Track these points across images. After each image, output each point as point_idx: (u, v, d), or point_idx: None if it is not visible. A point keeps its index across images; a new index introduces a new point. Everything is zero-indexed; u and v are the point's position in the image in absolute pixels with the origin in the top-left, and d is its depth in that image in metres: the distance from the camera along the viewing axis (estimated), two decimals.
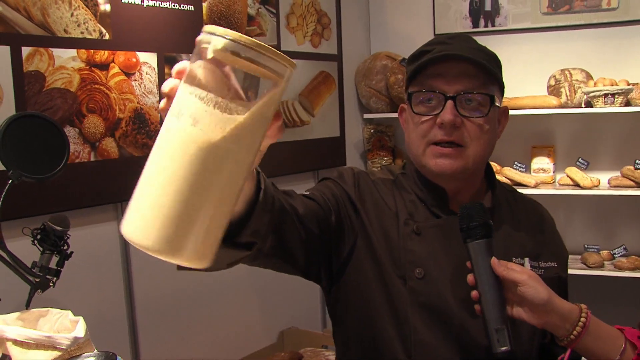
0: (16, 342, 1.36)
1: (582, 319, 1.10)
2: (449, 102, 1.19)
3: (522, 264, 1.22)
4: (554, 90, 3.18)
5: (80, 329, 1.41)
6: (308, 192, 1.25)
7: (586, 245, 3.26)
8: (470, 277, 1.11)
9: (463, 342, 1.20)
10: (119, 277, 2.35)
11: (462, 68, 1.20)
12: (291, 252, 1.12)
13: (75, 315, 1.51)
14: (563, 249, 1.36)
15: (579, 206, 3.35)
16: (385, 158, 3.58)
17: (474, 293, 1.11)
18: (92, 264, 2.24)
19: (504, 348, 1.07)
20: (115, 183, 2.26)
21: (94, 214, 2.24)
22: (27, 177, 1.54)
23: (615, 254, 3.19)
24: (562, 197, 3.29)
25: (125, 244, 2.32)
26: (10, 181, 1.51)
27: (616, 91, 2.91)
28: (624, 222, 3.27)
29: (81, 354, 1.39)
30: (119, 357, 1.38)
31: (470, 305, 1.13)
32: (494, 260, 1.10)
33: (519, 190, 1.45)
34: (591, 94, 2.98)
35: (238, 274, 2.84)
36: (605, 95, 2.93)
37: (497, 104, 1.24)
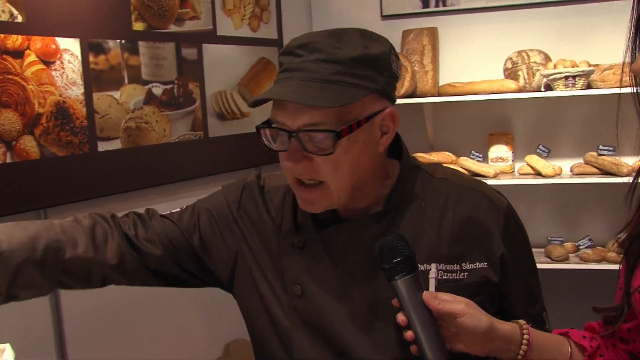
0: None
1: (525, 337, 1.11)
2: (295, 142, 1.09)
3: (429, 271, 1.17)
4: (511, 73, 3.20)
5: (8, 357, 1.30)
6: (179, 210, 1.35)
7: (550, 238, 3.30)
8: (401, 317, 1.07)
9: None
10: None
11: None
12: (142, 276, 1.30)
13: None
14: (498, 246, 1.21)
15: (541, 196, 3.39)
16: None
17: (409, 334, 1.07)
18: None
19: None
20: (36, 187, 2.13)
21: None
22: None
23: (580, 245, 3.24)
24: (523, 187, 3.32)
25: None
26: None
27: (577, 73, 2.95)
28: (588, 211, 3.33)
29: None
30: None
31: (356, 322, 1.17)
32: (426, 295, 1.07)
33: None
34: (551, 77, 3.01)
35: None
36: (566, 77, 2.97)
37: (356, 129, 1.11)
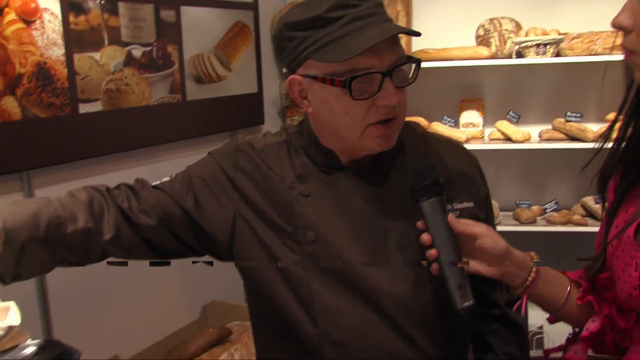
0: None
1: (534, 266, 1.20)
2: (388, 81, 1.16)
3: (445, 202, 1.25)
4: (483, 40, 3.24)
5: (13, 316, 1.29)
6: (168, 178, 1.36)
7: (517, 201, 3.38)
8: (425, 237, 1.15)
9: (369, 299, 1.23)
10: None
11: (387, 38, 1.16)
12: (139, 249, 1.29)
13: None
14: (481, 188, 1.38)
15: (510, 161, 3.46)
16: (295, 116, 3.54)
17: (433, 251, 1.14)
18: None
19: (468, 303, 1.14)
20: (18, 149, 2.10)
21: None
22: None
23: (546, 208, 3.33)
24: (492, 152, 3.39)
25: None
26: None
27: (548, 41, 3.00)
28: (555, 176, 3.41)
29: (17, 345, 1.28)
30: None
31: (370, 258, 1.23)
32: (451, 217, 1.16)
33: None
34: (523, 44, 3.06)
35: None
36: (538, 45, 3.02)
37: None
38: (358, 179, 1.27)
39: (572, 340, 1.29)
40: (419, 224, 1.17)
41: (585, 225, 3.12)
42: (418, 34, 1.17)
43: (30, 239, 1.13)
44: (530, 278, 1.18)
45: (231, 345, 2.67)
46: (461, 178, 1.34)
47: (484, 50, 3.15)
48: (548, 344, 3.07)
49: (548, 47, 3.01)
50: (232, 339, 2.77)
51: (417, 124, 1.41)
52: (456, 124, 3.38)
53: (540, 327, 3.10)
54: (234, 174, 1.32)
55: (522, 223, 3.20)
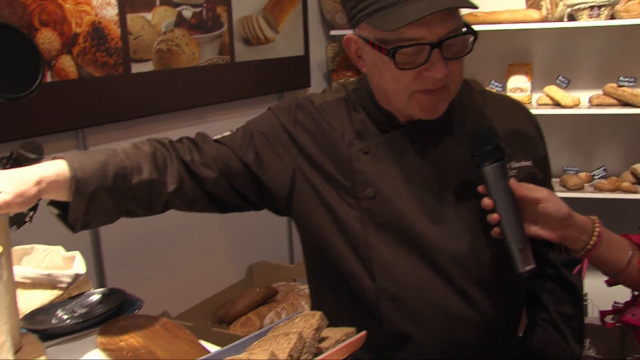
0: None
1: (596, 229, 1.18)
2: (437, 53, 1.14)
3: (507, 167, 1.24)
4: (533, 3, 3.18)
5: (79, 265, 1.34)
6: (229, 133, 1.36)
7: (565, 167, 3.33)
8: (487, 201, 1.16)
9: (426, 255, 1.24)
10: None
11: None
12: (200, 201, 1.32)
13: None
14: (540, 147, 1.37)
15: (558, 127, 3.41)
16: (352, 78, 3.52)
17: (495, 216, 1.15)
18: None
19: (529, 267, 1.15)
20: (75, 107, 2.14)
21: (52, 142, 2.12)
22: (1, 96, 1.43)
23: (594, 175, 3.29)
24: (540, 118, 3.31)
25: None
26: None
27: (602, 3, 2.93)
28: (604, 142, 3.36)
29: (82, 293, 1.33)
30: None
31: (428, 215, 1.23)
32: (513, 181, 1.16)
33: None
34: (575, 7, 2.99)
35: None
36: (591, 7, 2.95)
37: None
38: (416, 138, 1.27)
39: (630, 303, 1.28)
40: (480, 188, 1.17)
41: (635, 192, 3.07)
42: (474, 6, 1.14)
43: (98, 189, 1.15)
44: (591, 242, 1.17)
45: (277, 305, 2.71)
46: (520, 136, 1.33)
47: (534, 14, 3.09)
48: (592, 312, 3.06)
49: (602, 9, 2.93)
50: (278, 299, 2.81)
51: (475, 82, 1.39)
52: (503, 89, 3.33)
53: (584, 294, 3.09)
54: (294, 129, 1.33)
55: (569, 189, 3.17)
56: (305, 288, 2.87)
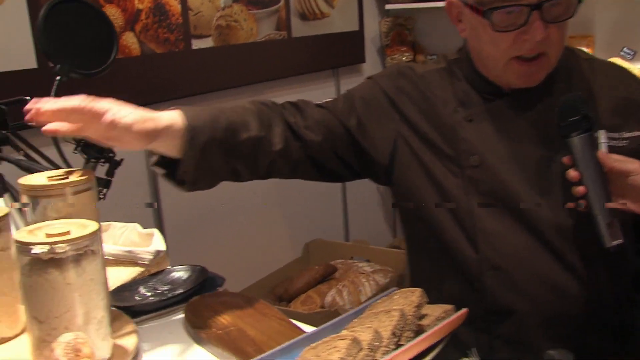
0: None
1: None
2: (536, 15, 1.10)
3: (597, 137, 1.18)
4: None
5: (158, 241, 1.33)
6: (330, 99, 1.33)
7: None
8: (573, 173, 1.10)
9: (531, 225, 1.20)
10: (145, 190, 2.26)
11: None
12: (303, 165, 1.26)
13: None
14: None
15: None
16: (406, 54, 3.46)
17: (581, 188, 1.10)
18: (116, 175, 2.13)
19: (617, 241, 1.09)
20: (136, 84, 2.13)
21: None
22: (77, 72, 1.41)
23: None
24: None
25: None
26: (58, 78, 1.38)
27: None
28: None
29: (162, 270, 1.31)
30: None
31: (532, 186, 1.19)
32: (601, 153, 1.11)
33: None
34: None
35: (258, 188, 2.77)
36: None
37: None
38: (521, 106, 1.23)
39: None
40: (565, 159, 1.12)
41: None
42: None
43: (210, 140, 1.10)
44: None
45: (337, 282, 2.68)
46: (631, 105, 1.26)
47: None
48: None
49: None
50: (336, 276, 2.79)
51: (581, 50, 1.34)
52: None
53: None
54: (396, 96, 1.31)
55: None
56: (364, 265, 2.84)
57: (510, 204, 1.21)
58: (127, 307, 1.16)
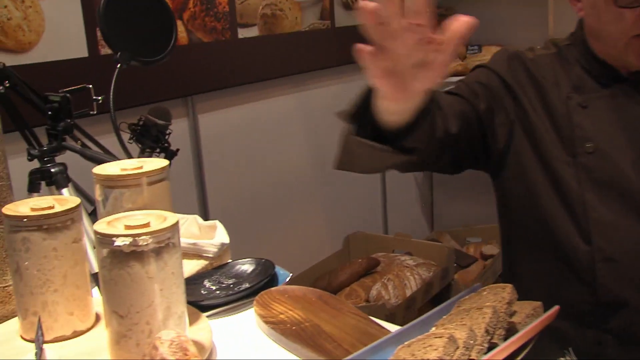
0: None
1: None
2: None
3: None
4: None
5: (222, 234, 1.29)
6: (453, 87, 1.27)
7: None
8: None
9: None
10: (191, 179, 2.24)
11: None
12: (436, 152, 1.13)
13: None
14: None
15: None
16: None
17: None
18: None
19: None
20: (186, 74, 2.10)
21: None
22: (137, 60, 1.39)
23: None
24: None
25: (196, 143, 2.19)
26: (119, 65, 1.35)
27: None
28: None
29: (226, 263, 1.28)
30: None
31: None
32: None
33: None
34: None
35: (298, 180, 2.74)
36: None
37: None
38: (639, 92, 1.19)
39: None
40: None
41: None
42: None
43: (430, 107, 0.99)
44: None
45: (381, 276, 2.64)
46: None
47: None
48: None
49: None
50: (379, 270, 2.75)
51: None
52: None
53: None
54: (510, 80, 1.27)
55: None
56: (407, 259, 2.80)
57: (626, 193, 1.16)
58: (194, 301, 1.12)
